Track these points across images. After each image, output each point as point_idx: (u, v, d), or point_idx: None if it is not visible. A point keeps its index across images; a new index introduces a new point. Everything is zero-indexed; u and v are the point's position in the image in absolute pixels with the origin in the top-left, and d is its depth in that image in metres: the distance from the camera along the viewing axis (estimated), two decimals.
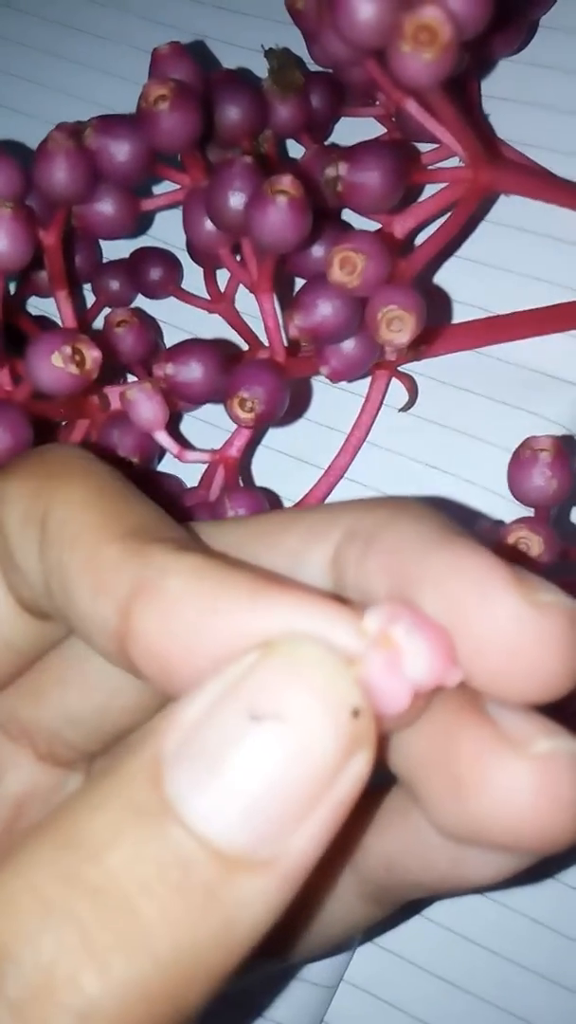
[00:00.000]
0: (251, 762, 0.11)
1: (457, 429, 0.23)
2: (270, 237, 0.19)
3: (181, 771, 0.11)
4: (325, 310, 0.19)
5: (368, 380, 0.22)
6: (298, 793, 0.11)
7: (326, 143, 0.24)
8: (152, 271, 0.23)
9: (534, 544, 0.18)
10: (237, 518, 0.19)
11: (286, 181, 0.18)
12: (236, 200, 0.19)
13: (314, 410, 0.23)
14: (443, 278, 0.22)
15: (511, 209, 0.22)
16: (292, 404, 0.21)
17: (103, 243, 0.24)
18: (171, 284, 0.24)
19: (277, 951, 0.16)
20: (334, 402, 0.23)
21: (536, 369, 0.23)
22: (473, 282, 0.22)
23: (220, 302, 0.23)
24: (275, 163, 0.22)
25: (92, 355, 0.19)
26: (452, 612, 0.12)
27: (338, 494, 0.23)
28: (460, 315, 0.22)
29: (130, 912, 0.11)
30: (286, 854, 0.11)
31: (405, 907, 0.15)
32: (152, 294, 0.24)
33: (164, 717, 0.11)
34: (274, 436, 0.23)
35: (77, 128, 0.21)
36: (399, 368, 0.22)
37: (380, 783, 0.13)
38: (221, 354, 0.20)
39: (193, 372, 0.20)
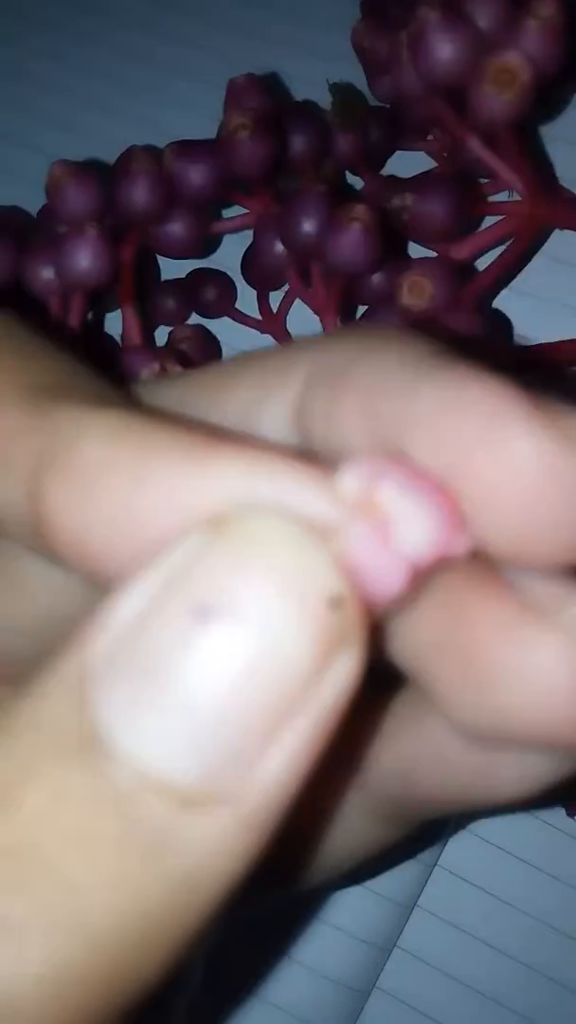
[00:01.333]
0: (199, 672, 0.08)
1: None
2: (343, 260, 0.20)
3: (112, 688, 0.09)
4: None
5: None
6: (262, 710, 0.08)
7: (381, 174, 0.25)
8: (209, 291, 0.25)
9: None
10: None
11: (360, 209, 0.20)
12: (310, 225, 0.21)
13: None
14: (500, 306, 0.24)
15: (564, 244, 0.24)
16: None
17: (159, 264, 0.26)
18: (226, 305, 0.25)
19: (282, 880, 0.13)
20: None
21: None
22: (525, 313, 0.24)
23: (273, 323, 0.24)
24: (337, 192, 0.24)
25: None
26: (453, 459, 0.09)
27: None
28: (516, 342, 0.24)
29: (51, 875, 0.08)
30: (252, 787, 0.09)
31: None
32: (207, 314, 0.25)
33: (90, 622, 0.09)
34: None
35: (155, 152, 0.22)
36: None
37: (384, 683, 0.11)
38: None
39: None
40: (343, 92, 0.24)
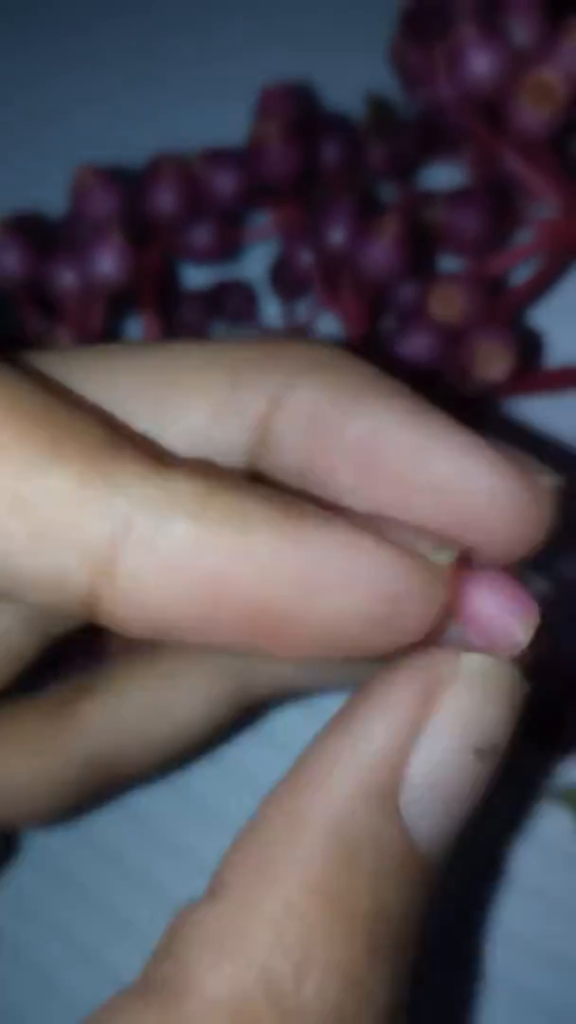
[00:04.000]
0: (472, 794, 0.13)
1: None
2: (373, 270, 0.21)
3: (424, 811, 0.13)
4: (418, 343, 0.22)
5: None
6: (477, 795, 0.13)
7: (413, 186, 0.26)
8: (232, 301, 0.26)
9: None
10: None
11: (391, 219, 0.21)
12: (339, 234, 0.22)
13: None
14: (533, 322, 0.25)
15: None
16: None
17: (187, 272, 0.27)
18: (249, 314, 0.26)
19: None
20: None
21: None
22: (563, 328, 0.24)
23: (298, 334, 0.25)
24: (368, 203, 0.25)
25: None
26: (458, 519, 0.13)
27: None
28: (549, 360, 0.25)
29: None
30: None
31: None
32: (230, 323, 0.26)
33: (398, 762, 0.13)
34: None
35: (181, 157, 0.23)
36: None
37: None
38: None
39: None
40: (378, 103, 0.25)
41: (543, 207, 0.23)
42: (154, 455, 0.11)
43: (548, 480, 0.13)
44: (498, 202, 0.22)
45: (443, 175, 0.26)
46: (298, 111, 0.24)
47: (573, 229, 0.22)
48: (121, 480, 0.10)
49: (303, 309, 0.25)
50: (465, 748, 0.13)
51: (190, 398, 0.12)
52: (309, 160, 0.24)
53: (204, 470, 0.11)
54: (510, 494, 0.13)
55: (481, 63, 0.19)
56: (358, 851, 0.12)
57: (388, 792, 0.12)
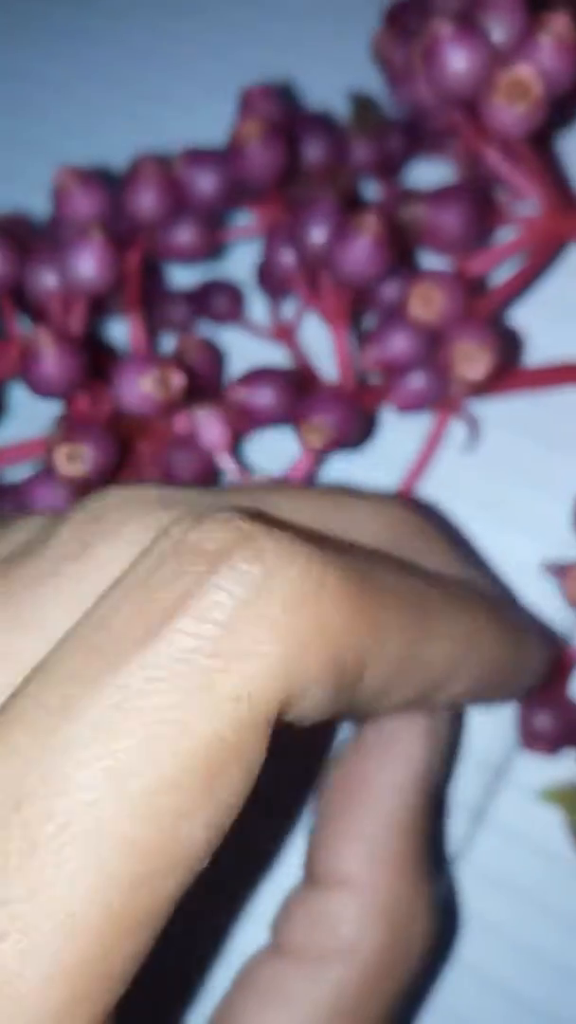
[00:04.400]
0: None
1: (515, 471, 0.25)
2: (352, 270, 0.21)
3: None
4: (400, 344, 0.22)
5: (424, 416, 0.24)
6: None
7: (398, 184, 0.26)
8: (218, 301, 0.26)
9: None
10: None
11: (370, 218, 0.21)
12: (319, 234, 0.22)
13: (375, 441, 0.26)
14: (516, 321, 0.25)
15: None
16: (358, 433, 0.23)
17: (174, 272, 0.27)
18: (235, 313, 0.26)
19: None
20: (393, 435, 0.25)
21: None
22: (545, 326, 0.24)
23: (284, 332, 0.25)
24: (352, 201, 0.25)
25: (177, 380, 0.21)
26: None
27: None
28: (531, 358, 0.25)
29: None
30: None
31: None
32: (218, 322, 0.26)
33: None
34: (335, 467, 0.26)
35: (163, 158, 0.23)
36: (464, 407, 0.24)
37: None
38: (291, 381, 0.23)
39: (265, 397, 0.22)
40: (361, 102, 0.25)
41: (526, 205, 0.23)
42: None
43: None
44: (480, 200, 0.22)
45: (430, 172, 0.26)
46: (280, 110, 0.24)
47: (555, 227, 0.22)
48: None
49: (289, 308, 0.25)
50: None
51: None
52: (292, 159, 0.24)
53: None
54: None
55: (458, 61, 0.19)
56: None
57: None
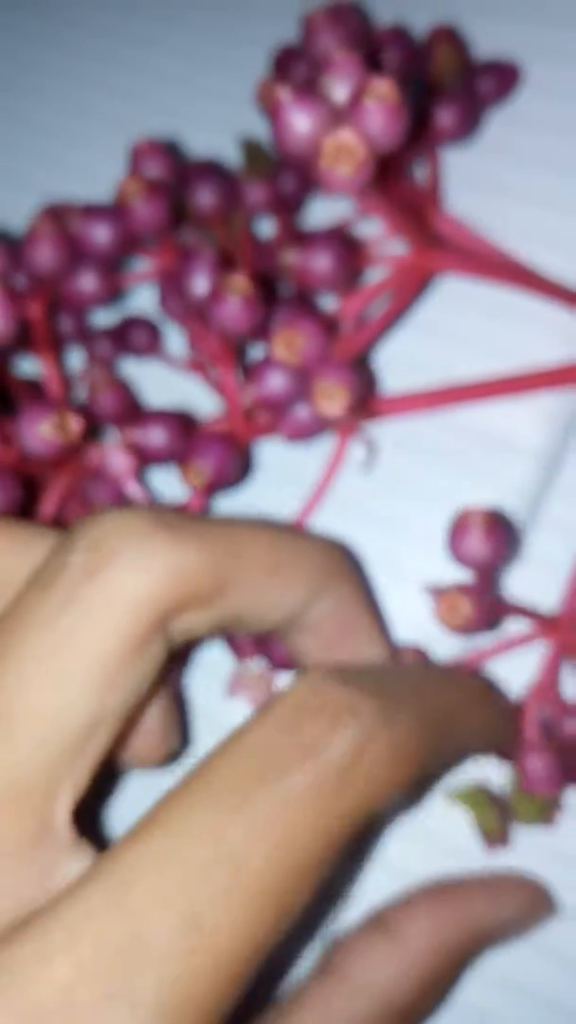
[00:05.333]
0: None
1: (414, 491, 0.27)
2: (225, 326, 0.23)
3: None
4: (274, 383, 0.24)
5: (321, 440, 0.26)
6: None
7: (298, 221, 0.28)
8: (137, 337, 0.28)
9: (462, 607, 0.22)
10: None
11: (240, 281, 0.23)
12: (200, 287, 0.24)
13: (276, 467, 0.27)
14: (397, 345, 0.26)
15: (459, 283, 0.26)
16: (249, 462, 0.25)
17: (95, 311, 0.29)
18: (154, 348, 0.28)
19: None
20: (298, 462, 0.27)
21: (492, 435, 0.26)
22: (424, 351, 0.26)
23: (198, 365, 0.27)
24: (246, 242, 0.26)
25: (74, 424, 0.23)
26: None
27: None
28: (411, 379, 0.26)
29: None
30: None
31: None
32: (137, 356, 0.28)
33: None
34: (238, 492, 0.28)
35: (61, 211, 0.25)
36: (361, 431, 0.26)
37: None
38: (181, 423, 0.25)
39: (156, 437, 0.24)
40: (251, 146, 0.27)
41: (395, 244, 0.24)
42: None
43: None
44: (348, 244, 0.24)
45: (329, 208, 0.28)
46: (167, 162, 0.25)
47: (422, 263, 0.24)
48: None
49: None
50: None
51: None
52: (183, 206, 0.26)
53: None
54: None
55: (298, 123, 0.21)
56: None
57: None
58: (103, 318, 0.29)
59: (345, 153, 0.20)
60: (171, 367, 0.28)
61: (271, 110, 0.21)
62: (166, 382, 0.29)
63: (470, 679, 0.22)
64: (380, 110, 0.20)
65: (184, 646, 0.19)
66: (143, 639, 0.17)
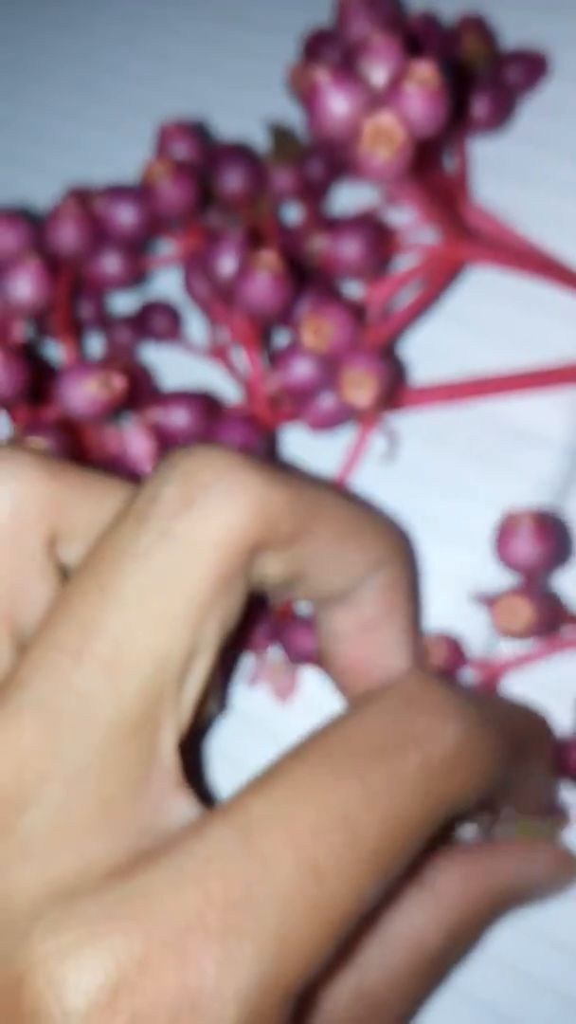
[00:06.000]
0: None
1: (439, 484, 0.26)
2: (254, 303, 0.23)
3: None
4: (300, 370, 0.23)
5: (349, 431, 0.26)
6: None
7: (324, 207, 0.28)
8: (157, 322, 0.28)
9: (522, 611, 0.21)
10: None
11: (269, 257, 0.22)
12: (227, 267, 0.23)
13: (298, 457, 0.27)
14: (424, 334, 0.26)
15: (488, 274, 0.26)
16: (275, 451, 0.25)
17: (116, 295, 0.28)
18: (174, 334, 0.28)
19: None
20: (320, 451, 0.27)
21: (518, 428, 0.26)
22: (452, 342, 0.26)
23: (219, 352, 0.27)
24: (272, 227, 0.26)
25: (118, 382, 0.23)
26: None
27: None
28: (437, 369, 0.26)
29: None
30: None
31: None
32: (157, 341, 0.28)
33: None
34: None
35: (86, 192, 0.25)
36: (383, 421, 0.25)
37: None
38: (205, 404, 0.24)
39: (178, 418, 0.24)
40: (279, 131, 0.26)
41: (425, 233, 0.24)
42: None
43: None
44: (378, 231, 0.23)
45: (356, 196, 0.27)
46: (195, 144, 0.25)
47: (452, 252, 0.24)
48: None
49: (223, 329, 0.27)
50: None
51: None
52: (210, 189, 0.25)
53: None
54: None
55: (336, 106, 0.21)
56: None
57: None
58: (124, 304, 0.29)
59: (384, 137, 0.20)
60: (192, 354, 0.28)
61: (306, 93, 0.21)
62: (187, 369, 0.29)
63: (540, 716, 0.23)
64: (421, 94, 0.20)
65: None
66: (233, 572, 0.17)
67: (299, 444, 0.27)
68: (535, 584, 0.22)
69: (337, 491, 0.20)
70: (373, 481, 0.27)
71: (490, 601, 0.22)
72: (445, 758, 0.18)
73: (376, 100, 0.21)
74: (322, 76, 0.21)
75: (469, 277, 0.26)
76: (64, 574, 0.19)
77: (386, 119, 0.20)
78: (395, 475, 0.27)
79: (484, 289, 0.26)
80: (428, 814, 0.18)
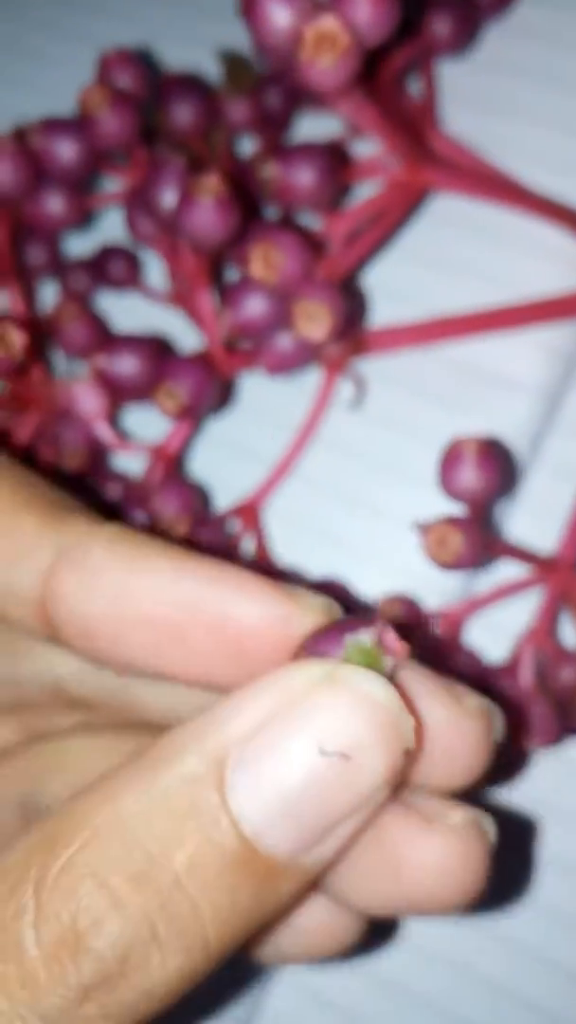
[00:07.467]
0: (313, 790, 0.13)
1: (403, 428, 0.25)
2: (199, 232, 0.21)
3: (243, 780, 0.13)
4: (252, 307, 0.22)
5: (308, 376, 0.24)
6: (341, 814, 0.14)
7: (284, 140, 0.26)
8: (114, 268, 0.26)
9: (452, 541, 0.20)
10: None
11: (211, 181, 0.21)
12: (168, 199, 0.22)
13: (262, 404, 0.26)
14: (386, 272, 0.25)
15: (454, 205, 0.24)
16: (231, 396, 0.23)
17: (72, 241, 0.27)
18: (133, 280, 0.26)
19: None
20: (284, 399, 0.25)
21: (491, 371, 0.25)
22: (415, 277, 0.24)
23: (180, 297, 0.25)
24: (226, 161, 0.24)
25: (16, 338, 0.21)
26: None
27: (284, 490, 0.25)
28: (402, 310, 0.24)
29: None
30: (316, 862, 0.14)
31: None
32: (116, 288, 0.26)
33: (222, 720, 0.14)
34: (222, 430, 0.26)
35: (22, 129, 0.23)
36: (349, 366, 0.24)
37: None
38: (155, 348, 0.23)
39: (126, 365, 0.23)
40: (232, 60, 0.25)
41: (390, 163, 0.22)
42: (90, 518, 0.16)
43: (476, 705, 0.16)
44: (334, 157, 0.22)
45: (320, 126, 0.26)
46: (141, 74, 0.24)
47: (412, 178, 0.22)
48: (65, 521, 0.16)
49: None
50: (308, 746, 0.13)
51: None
52: (157, 123, 0.24)
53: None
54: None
55: (276, 15, 0.19)
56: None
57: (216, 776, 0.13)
58: (79, 247, 0.27)
59: (328, 42, 0.18)
60: (152, 300, 0.26)
61: (247, 3, 0.19)
62: (145, 317, 0.27)
63: None
64: None
65: None
66: None
67: (263, 393, 0.26)
68: (480, 515, 0.21)
69: None
70: (338, 428, 0.25)
71: (424, 530, 0.20)
72: None
73: (320, 6, 0.19)
74: None
75: (434, 210, 0.25)
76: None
77: (328, 23, 0.18)
78: (361, 422, 0.25)
79: (451, 223, 0.24)
80: None
